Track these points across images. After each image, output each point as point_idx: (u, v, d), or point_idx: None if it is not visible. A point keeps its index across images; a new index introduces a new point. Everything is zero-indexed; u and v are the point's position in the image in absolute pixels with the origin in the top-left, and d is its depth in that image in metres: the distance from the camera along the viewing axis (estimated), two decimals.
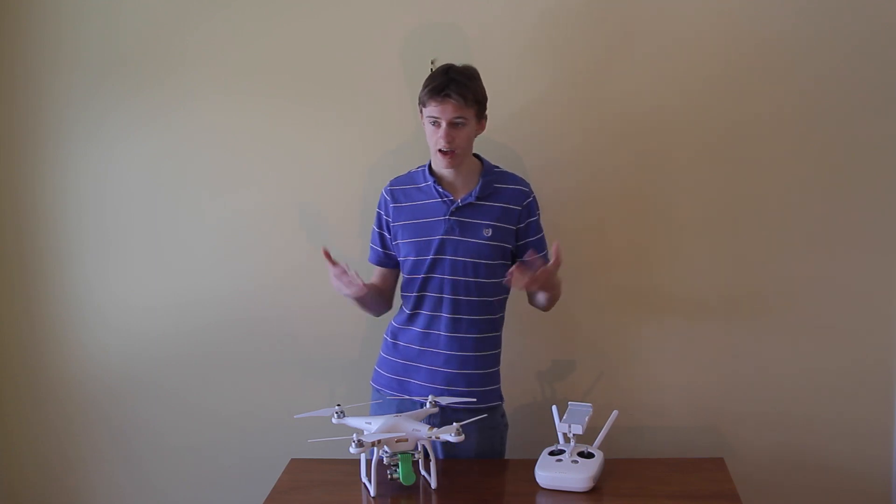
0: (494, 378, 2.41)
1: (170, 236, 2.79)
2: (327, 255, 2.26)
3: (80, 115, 2.76)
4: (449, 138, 2.23)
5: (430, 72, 2.29)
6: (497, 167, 2.39)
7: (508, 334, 2.60)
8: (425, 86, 2.25)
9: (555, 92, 2.62)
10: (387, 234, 2.42)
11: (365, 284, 2.28)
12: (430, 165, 2.37)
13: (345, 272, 2.26)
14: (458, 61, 2.30)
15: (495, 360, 2.41)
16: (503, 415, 2.46)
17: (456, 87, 2.20)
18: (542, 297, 2.37)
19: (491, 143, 2.48)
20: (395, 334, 2.42)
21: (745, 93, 2.58)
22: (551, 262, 2.16)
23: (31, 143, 2.78)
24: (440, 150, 2.25)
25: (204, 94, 2.72)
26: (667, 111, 2.61)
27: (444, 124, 2.22)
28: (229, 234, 2.78)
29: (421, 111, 2.29)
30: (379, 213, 2.43)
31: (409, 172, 2.43)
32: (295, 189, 2.74)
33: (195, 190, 2.77)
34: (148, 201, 2.78)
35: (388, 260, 2.45)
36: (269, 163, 2.74)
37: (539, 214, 2.40)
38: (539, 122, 2.64)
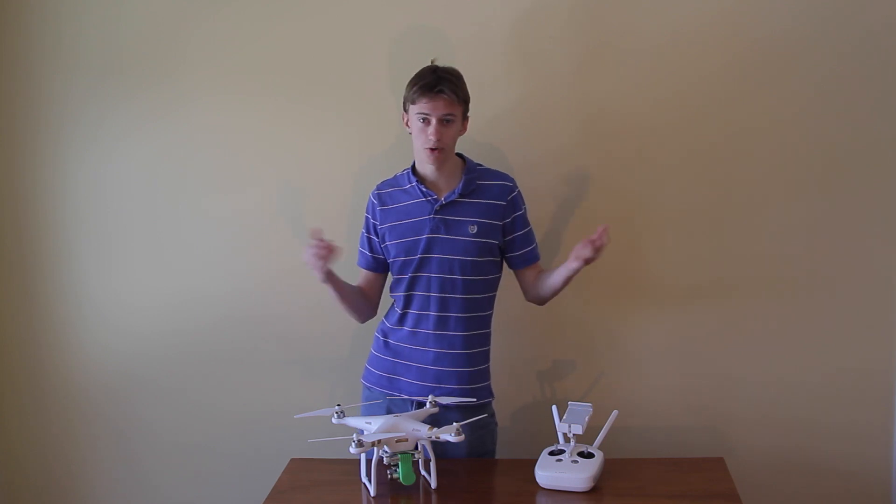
0: (484, 375, 2.41)
1: (170, 236, 2.79)
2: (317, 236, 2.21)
3: (80, 115, 2.76)
4: (438, 135, 2.24)
5: None
6: (480, 164, 2.40)
7: (507, 334, 2.60)
8: (413, 84, 2.26)
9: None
10: (374, 238, 2.42)
11: (333, 248, 2.22)
12: (413, 167, 2.39)
13: (322, 241, 2.20)
14: (445, 63, 2.32)
15: (484, 357, 2.42)
16: (492, 413, 2.46)
17: (447, 84, 2.23)
18: (559, 281, 2.32)
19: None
20: (386, 333, 2.43)
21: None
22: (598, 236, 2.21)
23: (31, 143, 2.78)
24: (428, 148, 2.26)
25: (204, 94, 2.72)
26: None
27: (434, 121, 2.24)
28: (228, 233, 2.78)
29: (406, 111, 2.31)
30: (367, 217, 2.44)
31: (394, 175, 2.44)
32: (294, 189, 2.73)
33: (195, 190, 2.77)
34: (148, 201, 2.78)
35: (375, 264, 2.45)
36: (269, 163, 2.74)
37: (525, 209, 2.40)
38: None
